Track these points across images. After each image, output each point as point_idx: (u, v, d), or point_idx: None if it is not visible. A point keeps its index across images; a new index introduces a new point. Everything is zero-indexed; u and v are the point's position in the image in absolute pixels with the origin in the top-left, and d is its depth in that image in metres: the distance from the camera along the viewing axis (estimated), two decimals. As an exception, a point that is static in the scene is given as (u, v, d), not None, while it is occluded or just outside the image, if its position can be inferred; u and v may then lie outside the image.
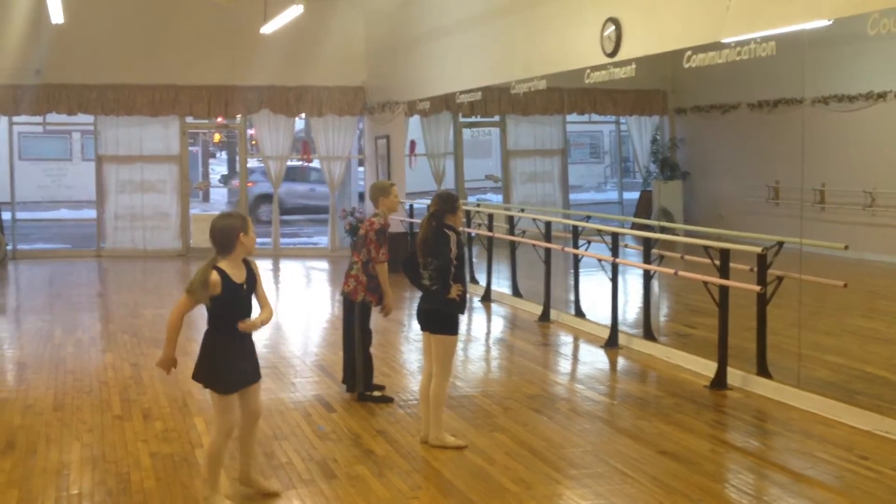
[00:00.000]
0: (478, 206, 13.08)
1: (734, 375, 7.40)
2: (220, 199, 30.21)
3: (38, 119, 16.98)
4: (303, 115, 17.52)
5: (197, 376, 4.92)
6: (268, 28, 13.28)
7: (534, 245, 10.57)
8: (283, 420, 6.58)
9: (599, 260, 9.40)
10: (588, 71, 9.27)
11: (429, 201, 6.20)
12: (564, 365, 8.81)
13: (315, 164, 20.29)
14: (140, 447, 6.01)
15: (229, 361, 4.83)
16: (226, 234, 4.79)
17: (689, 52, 7.90)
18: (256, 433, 5.18)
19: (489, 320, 10.83)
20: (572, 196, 17.52)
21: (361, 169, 18.37)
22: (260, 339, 9.68)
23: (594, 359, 8.66)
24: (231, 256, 4.81)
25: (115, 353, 8.84)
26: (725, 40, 7.43)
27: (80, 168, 25.88)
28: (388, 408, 6.88)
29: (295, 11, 11.72)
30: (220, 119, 17.70)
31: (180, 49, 15.91)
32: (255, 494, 5.15)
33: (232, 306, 4.82)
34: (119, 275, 14.86)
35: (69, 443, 6.12)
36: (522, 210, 12.89)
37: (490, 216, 11.82)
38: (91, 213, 17.20)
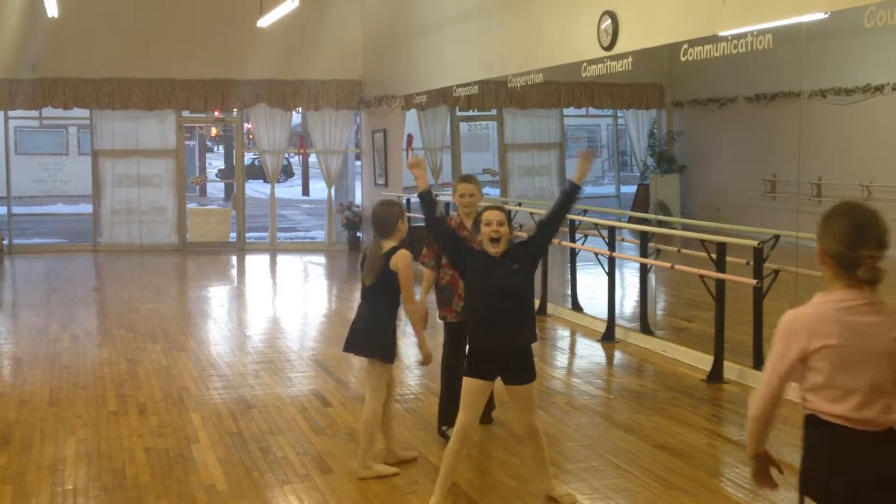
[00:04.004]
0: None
1: (731, 369, 7.39)
2: (216, 193, 30.19)
3: (34, 113, 16.94)
4: (299, 109, 17.49)
5: (372, 351, 5.28)
6: (264, 21, 13.23)
7: (531, 239, 10.55)
8: (278, 415, 6.56)
9: (596, 254, 9.39)
10: (585, 65, 9.24)
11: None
12: (561, 359, 8.80)
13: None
14: (135, 442, 6.00)
15: (394, 334, 5.31)
16: (386, 220, 5.27)
17: (685, 46, 7.87)
18: None
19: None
20: (570, 190, 17.48)
21: (358, 163, 18.34)
22: (256, 333, 9.71)
23: (591, 353, 8.65)
24: (390, 240, 5.25)
25: (111, 348, 8.82)
26: (722, 33, 7.40)
27: (76, 162, 25.80)
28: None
29: (291, 4, 11.67)
30: (216, 113, 17.67)
31: (176, 42, 15.85)
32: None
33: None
34: (115, 269, 14.82)
35: (64, 438, 6.11)
36: (520, 204, 12.88)
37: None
38: (87, 208, 17.14)
